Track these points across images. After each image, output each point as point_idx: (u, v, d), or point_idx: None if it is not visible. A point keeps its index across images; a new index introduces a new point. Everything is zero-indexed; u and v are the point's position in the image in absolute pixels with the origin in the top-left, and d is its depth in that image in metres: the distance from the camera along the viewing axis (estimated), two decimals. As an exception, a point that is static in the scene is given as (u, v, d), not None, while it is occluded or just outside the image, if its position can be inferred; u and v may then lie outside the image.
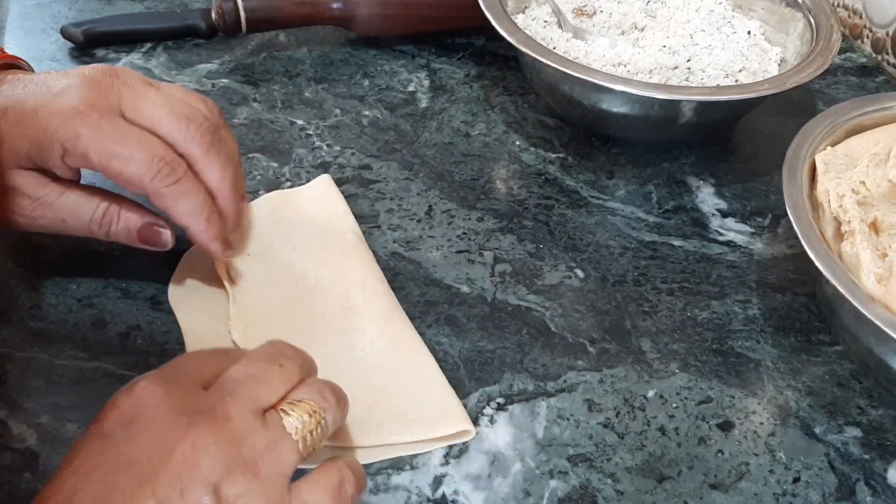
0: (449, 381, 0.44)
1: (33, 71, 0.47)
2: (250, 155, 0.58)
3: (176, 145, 0.42)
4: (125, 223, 0.44)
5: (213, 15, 0.66)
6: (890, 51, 0.72)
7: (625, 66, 0.61)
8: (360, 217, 0.53)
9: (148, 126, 0.41)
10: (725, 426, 0.44)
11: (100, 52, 0.66)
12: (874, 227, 0.46)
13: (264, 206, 0.53)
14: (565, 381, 0.45)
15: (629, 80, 0.55)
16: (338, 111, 0.63)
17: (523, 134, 0.62)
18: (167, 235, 0.45)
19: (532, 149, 0.61)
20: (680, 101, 0.55)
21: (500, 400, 0.44)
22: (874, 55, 0.74)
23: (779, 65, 0.63)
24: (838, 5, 0.78)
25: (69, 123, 0.40)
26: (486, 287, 0.50)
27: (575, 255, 0.53)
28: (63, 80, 0.42)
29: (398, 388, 0.43)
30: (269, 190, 0.54)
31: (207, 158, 0.43)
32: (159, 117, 0.42)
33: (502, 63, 0.69)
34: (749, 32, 0.65)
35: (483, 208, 0.55)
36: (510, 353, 0.46)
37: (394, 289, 0.48)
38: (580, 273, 0.51)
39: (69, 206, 0.43)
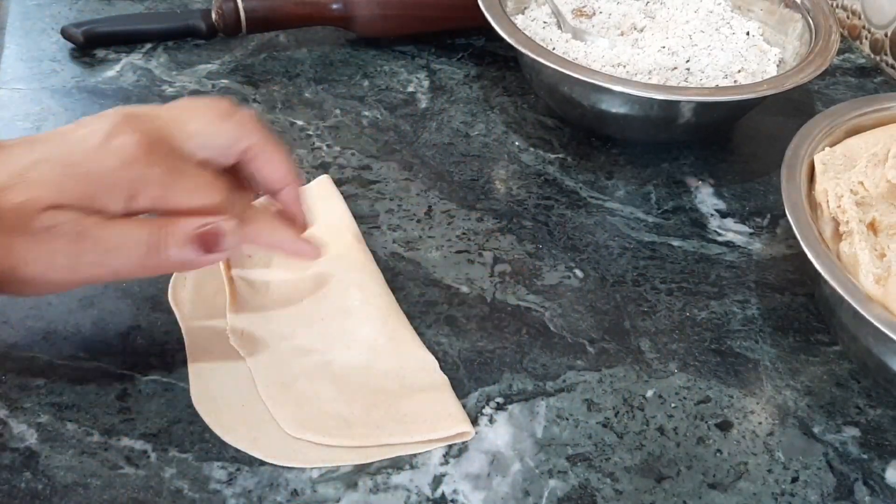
0: (448, 381, 0.44)
1: None
2: (250, 155, 0.58)
3: (236, 145, 0.40)
4: (180, 235, 0.37)
5: (214, 15, 0.66)
6: (888, 51, 0.73)
7: (624, 66, 0.61)
8: (359, 217, 0.53)
9: (204, 143, 0.40)
10: (724, 426, 0.44)
11: (100, 53, 0.66)
12: (872, 227, 0.46)
13: (264, 207, 0.53)
14: (564, 381, 0.45)
15: (628, 81, 0.55)
16: (338, 111, 0.63)
17: (523, 134, 0.62)
18: (230, 229, 0.38)
19: (531, 149, 0.61)
20: (679, 102, 0.55)
21: (500, 400, 0.44)
22: (873, 56, 0.74)
23: (777, 65, 0.63)
24: (837, 6, 0.78)
25: (135, 164, 0.36)
26: (485, 287, 0.50)
27: (574, 256, 0.53)
28: (96, 125, 0.37)
29: (397, 388, 0.43)
30: (268, 190, 0.54)
31: (269, 145, 0.42)
32: (209, 130, 0.40)
33: (502, 64, 0.69)
34: (748, 33, 0.65)
35: (483, 208, 0.55)
36: (509, 353, 0.46)
37: (393, 289, 0.49)
38: (579, 273, 0.52)
39: (115, 233, 0.36)
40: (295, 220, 0.44)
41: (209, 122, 0.40)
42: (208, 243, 0.37)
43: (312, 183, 0.55)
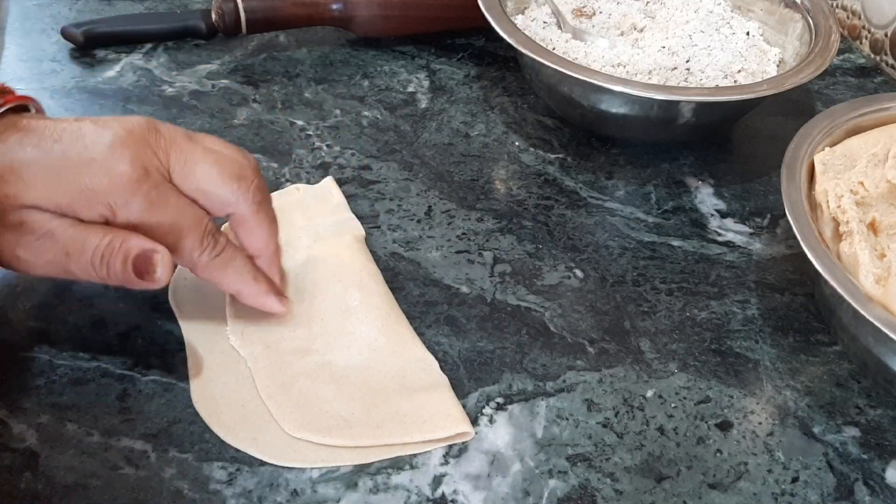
0: (448, 382, 0.44)
1: (43, 111, 0.44)
2: (250, 155, 0.58)
3: (227, 206, 0.42)
4: (124, 252, 0.39)
5: (213, 16, 0.66)
6: (888, 51, 0.73)
7: (624, 66, 0.61)
8: (360, 217, 0.53)
9: (201, 189, 0.41)
10: (724, 426, 0.44)
11: (100, 53, 0.66)
12: (872, 227, 0.46)
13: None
14: (564, 381, 0.45)
15: (628, 81, 0.55)
16: (338, 112, 0.63)
17: (523, 134, 0.62)
18: (161, 262, 0.39)
19: (531, 149, 0.61)
20: (679, 102, 0.55)
21: (500, 400, 0.44)
22: (873, 56, 0.74)
23: (777, 65, 0.63)
24: (837, 6, 0.78)
25: (121, 189, 0.39)
26: (485, 287, 0.50)
27: (574, 256, 0.53)
28: (105, 134, 0.39)
29: (397, 388, 0.43)
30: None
31: (257, 218, 0.43)
32: (210, 180, 0.41)
33: (502, 64, 0.69)
34: (748, 33, 0.65)
35: (483, 209, 0.55)
36: (509, 353, 0.46)
37: (393, 289, 0.49)
38: (579, 273, 0.52)
39: (75, 238, 0.39)
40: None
41: (214, 177, 0.41)
42: (139, 269, 0.39)
43: (316, 186, 0.55)
